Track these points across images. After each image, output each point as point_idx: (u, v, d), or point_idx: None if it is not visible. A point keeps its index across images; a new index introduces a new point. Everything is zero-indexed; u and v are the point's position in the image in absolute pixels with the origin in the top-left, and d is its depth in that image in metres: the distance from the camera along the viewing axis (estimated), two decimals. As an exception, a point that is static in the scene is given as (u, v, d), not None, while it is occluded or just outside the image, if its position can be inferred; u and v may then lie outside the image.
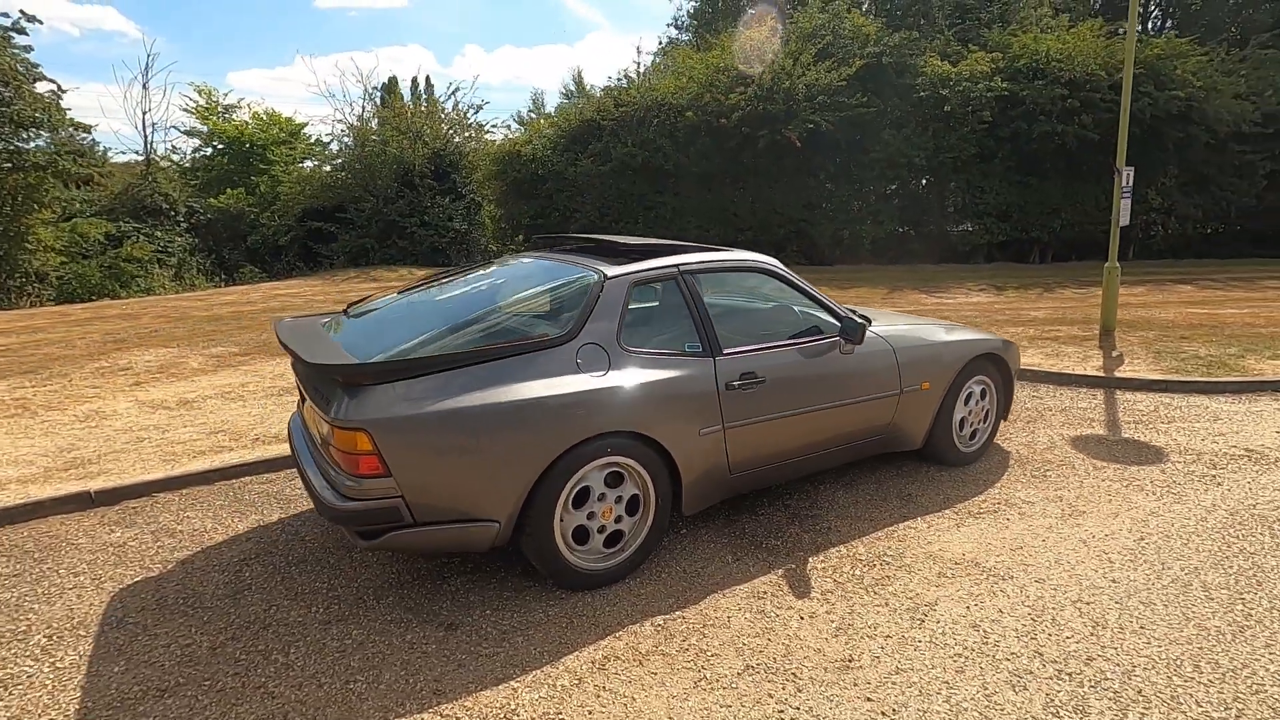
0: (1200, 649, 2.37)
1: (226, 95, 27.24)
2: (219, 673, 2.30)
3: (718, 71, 16.87)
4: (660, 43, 30.32)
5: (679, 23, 29.19)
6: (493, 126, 20.75)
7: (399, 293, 3.57)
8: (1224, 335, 7.42)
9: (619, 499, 2.76)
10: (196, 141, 23.95)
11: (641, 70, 28.59)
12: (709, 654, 2.39)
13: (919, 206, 18.16)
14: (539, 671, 2.30)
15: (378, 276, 15.68)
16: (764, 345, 3.17)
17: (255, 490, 3.80)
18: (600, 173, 17.43)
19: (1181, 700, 2.12)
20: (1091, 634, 2.45)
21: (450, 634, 2.51)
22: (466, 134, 19.76)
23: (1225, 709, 2.09)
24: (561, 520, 2.65)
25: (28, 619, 2.61)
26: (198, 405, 5.33)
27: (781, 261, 3.49)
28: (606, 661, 2.36)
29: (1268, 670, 2.26)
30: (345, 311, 3.44)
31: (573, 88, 33.53)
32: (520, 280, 3.34)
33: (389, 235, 18.24)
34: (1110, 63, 16.00)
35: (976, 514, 3.44)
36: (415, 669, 2.31)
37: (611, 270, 2.95)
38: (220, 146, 23.75)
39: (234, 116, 24.23)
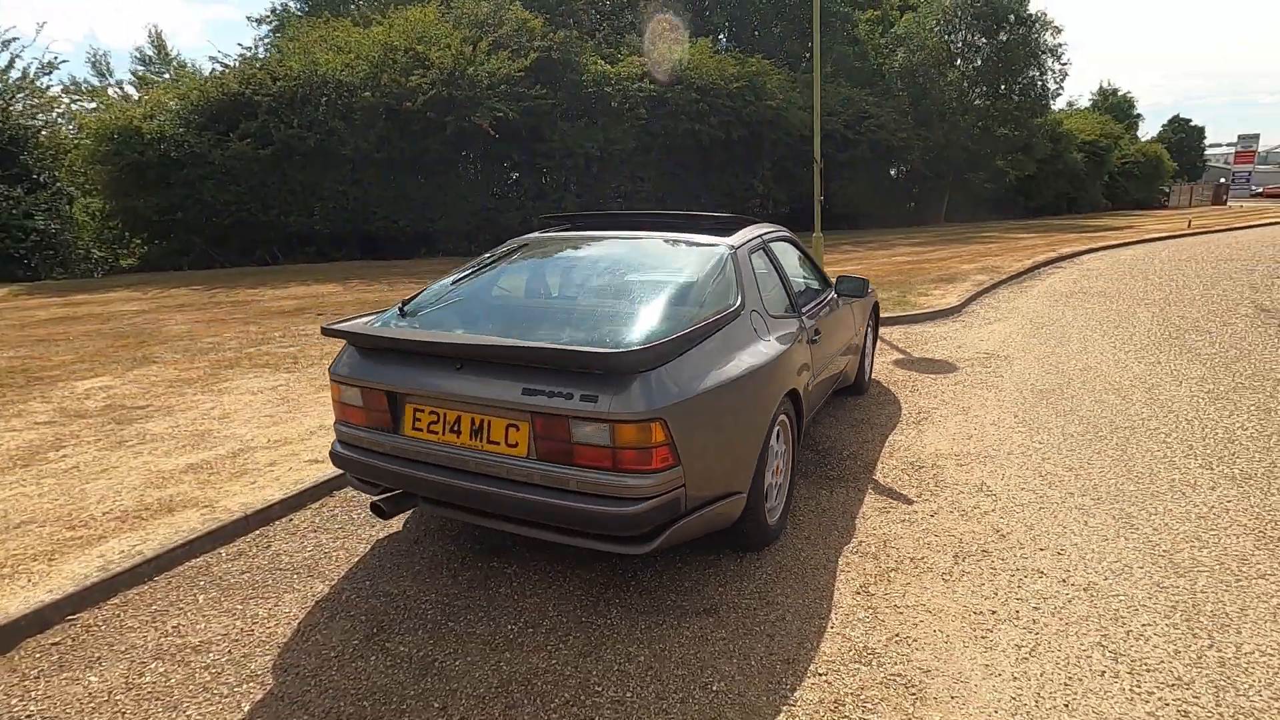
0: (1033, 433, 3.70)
1: None
2: None
3: (390, 50, 15.77)
4: (273, 10, 26.34)
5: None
6: (79, 93, 15.74)
7: (458, 283, 3.07)
8: (877, 282, 10.19)
9: (779, 453, 2.98)
10: None
11: (262, 39, 24.81)
12: (917, 558, 2.84)
13: (593, 193, 19.81)
14: (840, 615, 2.47)
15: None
16: (811, 304, 3.63)
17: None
18: (260, 157, 14.84)
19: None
20: (985, 431, 3.61)
21: (711, 616, 2.46)
22: (36, 103, 14.68)
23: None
24: (766, 481, 2.77)
25: None
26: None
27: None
28: (870, 585, 2.64)
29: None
30: (402, 311, 2.83)
31: (152, 53, 27.11)
32: (644, 255, 3.24)
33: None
34: (725, 75, 19.67)
35: (918, 420, 4.49)
36: (754, 646, 2.26)
37: (730, 241, 3.08)
38: None
39: None
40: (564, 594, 2.61)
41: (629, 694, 2.08)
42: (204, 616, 2.53)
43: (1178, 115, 54.76)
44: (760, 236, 3.37)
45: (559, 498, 2.25)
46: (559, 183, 18.58)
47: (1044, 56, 25.92)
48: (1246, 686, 2.08)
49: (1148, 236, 18.89)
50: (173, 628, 2.46)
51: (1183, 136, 53.11)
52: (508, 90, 16.29)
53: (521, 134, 17.02)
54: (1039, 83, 26.27)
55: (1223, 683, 2.10)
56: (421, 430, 2.48)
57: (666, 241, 3.27)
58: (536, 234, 3.63)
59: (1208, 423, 4.34)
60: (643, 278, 3.03)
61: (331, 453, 2.75)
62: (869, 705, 2.03)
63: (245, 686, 2.15)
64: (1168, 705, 2.01)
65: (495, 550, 2.93)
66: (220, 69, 16.56)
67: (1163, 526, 3.05)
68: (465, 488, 2.36)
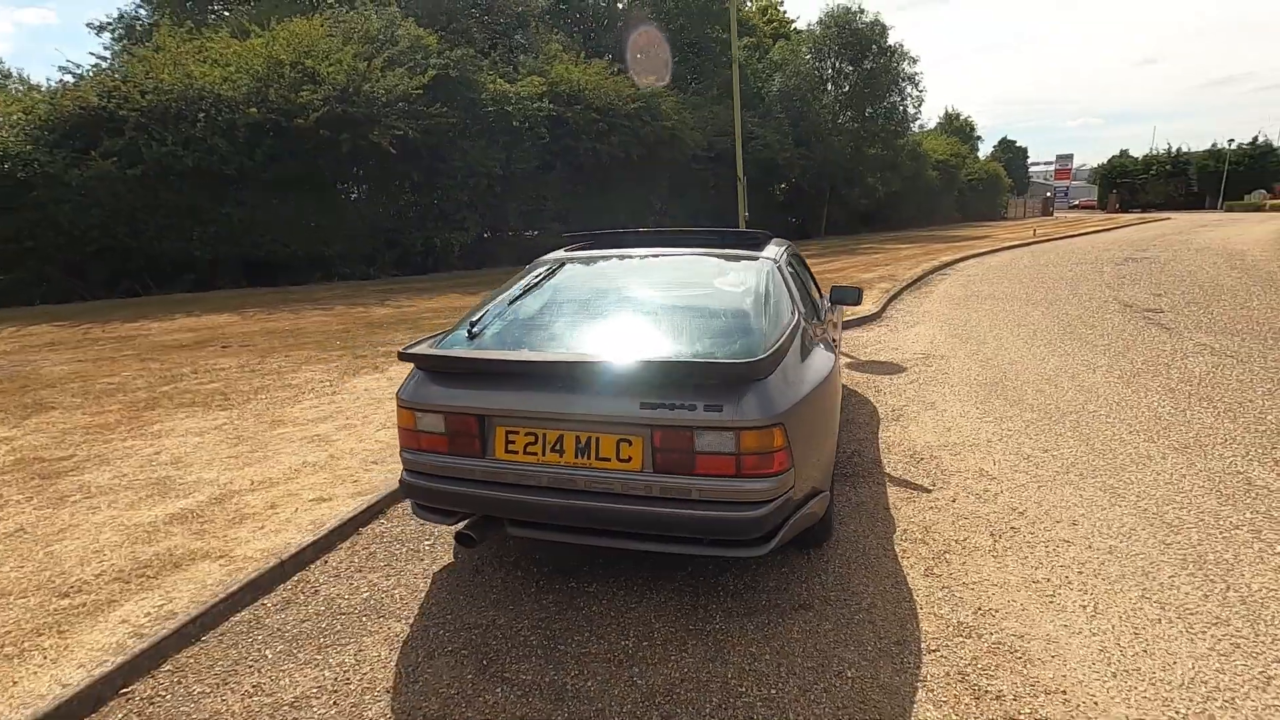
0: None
1: None
2: None
3: (276, 65, 14.85)
4: (120, 15, 23.91)
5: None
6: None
7: (515, 303, 3.01)
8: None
9: (832, 452, 3.14)
10: None
11: (109, 49, 22.57)
12: (961, 540, 3.10)
13: (497, 213, 19.53)
14: (921, 596, 2.65)
15: None
16: (822, 310, 3.86)
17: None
18: (127, 178, 13.44)
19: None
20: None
21: (809, 611, 2.57)
22: None
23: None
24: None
25: None
26: None
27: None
28: (933, 567, 2.84)
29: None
30: (471, 333, 2.74)
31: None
32: (693, 271, 3.32)
33: None
34: (623, 95, 20.11)
35: (896, 417, 4.84)
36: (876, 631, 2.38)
37: (767, 255, 3.24)
38: None
39: None
40: (659, 605, 2.63)
41: (773, 691, 2.15)
42: (283, 671, 2.32)
43: (1005, 137, 61.90)
44: (785, 249, 3.56)
45: (681, 508, 2.28)
46: (462, 203, 18.17)
47: (904, 84, 28.53)
48: (1271, 618, 2.46)
49: (1004, 245, 21.16)
50: (253, 687, 2.25)
51: (1010, 156, 60.12)
52: (406, 108, 15.79)
53: (421, 153, 16.52)
54: (900, 107, 28.84)
55: (1252, 617, 2.46)
56: (517, 452, 2.42)
57: (707, 257, 3.36)
58: (563, 252, 3.62)
59: (1131, 404, 5.00)
60: (704, 291, 3.10)
61: (402, 483, 2.62)
62: (989, 673, 2.21)
63: (373, 737, 2.01)
64: (1220, 640, 2.34)
65: (566, 572, 2.89)
66: (70, 80, 14.90)
67: (1143, 494, 3.50)
68: (575, 506, 2.33)
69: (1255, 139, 47.41)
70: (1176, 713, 2.02)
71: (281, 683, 2.27)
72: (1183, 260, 15.19)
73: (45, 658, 2.38)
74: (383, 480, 3.77)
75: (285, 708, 2.15)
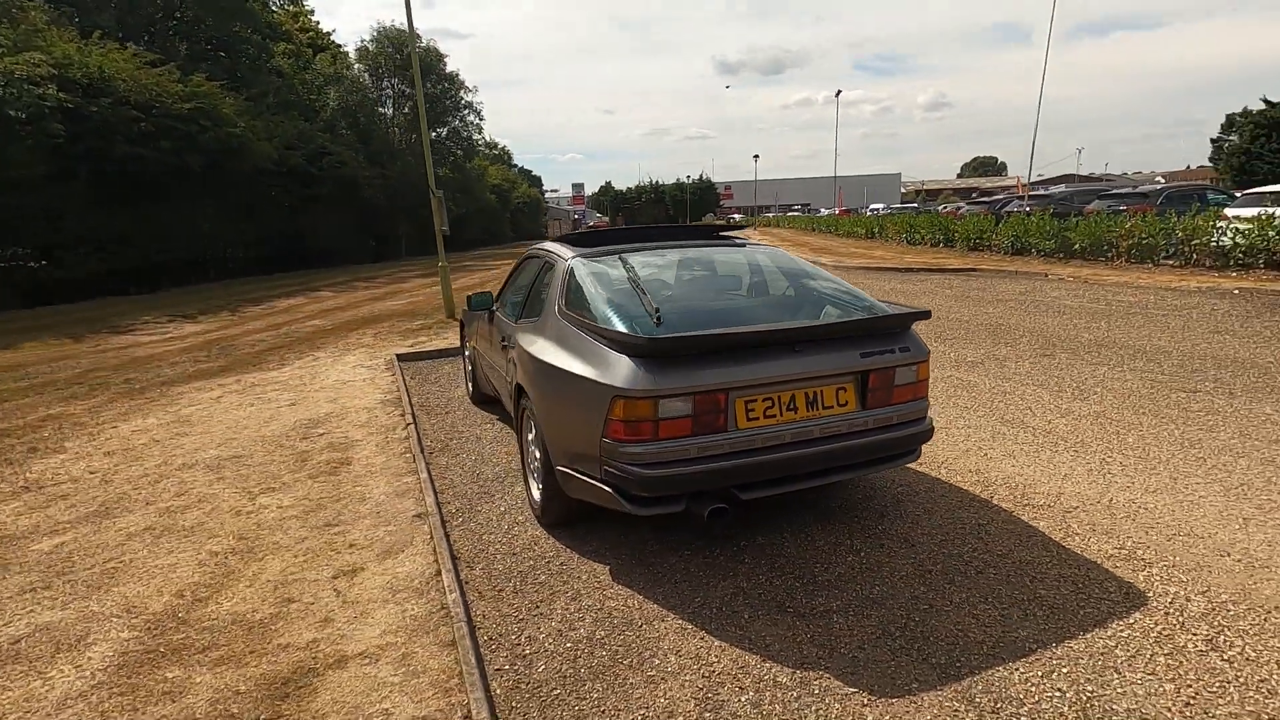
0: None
1: None
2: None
3: None
4: None
5: None
6: None
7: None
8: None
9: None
10: None
11: None
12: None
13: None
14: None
15: None
16: None
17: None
18: None
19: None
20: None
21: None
22: None
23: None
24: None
25: None
26: None
27: None
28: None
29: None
30: (658, 320, 2.53)
31: None
32: (735, 257, 3.51)
33: None
34: (170, 91, 16.35)
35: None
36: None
37: (755, 243, 3.63)
38: None
39: None
40: (828, 544, 2.76)
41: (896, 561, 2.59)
42: None
43: (523, 167, 69.87)
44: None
45: (888, 432, 2.57)
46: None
47: (465, 111, 29.94)
48: None
49: None
50: None
51: (531, 183, 68.17)
52: None
53: None
54: (464, 132, 30.19)
55: None
56: (757, 418, 2.40)
57: (726, 248, 3.55)
58: (571, 254, 3.27)
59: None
60: (776, 269, 3.37)
61: (644, 480, 2.27)
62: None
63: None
64: None
65: (690, 542, 2.75)
66: None
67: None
68: (814, 454, 2.43)
69: (702, 175, 64.32)
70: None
71: None
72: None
73: None
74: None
75: None
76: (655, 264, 3.20)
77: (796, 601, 2.35)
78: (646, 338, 2.30)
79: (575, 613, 2.33)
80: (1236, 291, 8.72)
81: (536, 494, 3.06)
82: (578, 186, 69.64)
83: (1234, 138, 45.60)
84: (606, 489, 2.40)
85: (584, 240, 3.48)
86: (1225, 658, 1.97)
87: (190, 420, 5.04)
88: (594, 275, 2.98)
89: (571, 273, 3.03)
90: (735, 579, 2.51)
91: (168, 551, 2.92)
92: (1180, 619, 2.15)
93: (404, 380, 5.79)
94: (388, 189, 26.74)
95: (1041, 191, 20.63)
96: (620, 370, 2.30)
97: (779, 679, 1.96)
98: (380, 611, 2.35)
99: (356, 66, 27.92)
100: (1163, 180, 47.22)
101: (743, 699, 1.89)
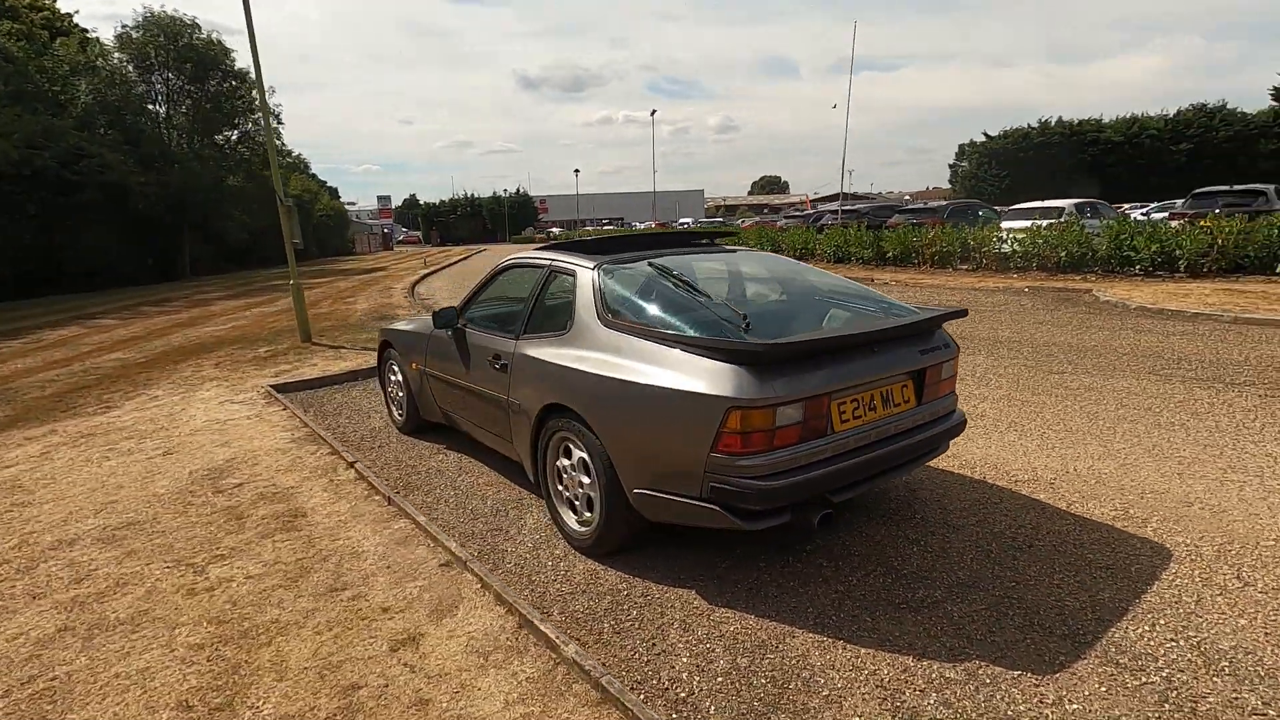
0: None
1: None
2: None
3: None
4: None
5: None
6: None
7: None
8: (345, 325, 9.79)
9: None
10: None
11: None
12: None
13: None
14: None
15: None
16: None
17: None
18: None
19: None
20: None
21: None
22: None
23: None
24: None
25: None
26: None
27: None
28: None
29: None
30: (747, 326, 2.41)
31: None
32: (751, 263, 3.52)
33: None
34: None
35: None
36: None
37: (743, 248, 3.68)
38: None
39: None
40: (897, 542, 2.84)
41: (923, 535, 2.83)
42: None
43: (318, 177, 64.41)
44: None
45: (938, 424, 2.73)
46: None
47: (258, 113, 26.75)
48: None
49: (428, 270, 22.46)
50: None
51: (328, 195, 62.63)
52: None
53: None
54: (258, 136, 27.01)
55: None
56: (849, 420, 2.42)
57: (737, 253, 3.51)
58: (588, 266, 3.02)
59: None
60: (797, 276, 3.42)
61: (763, 493, 2.16)
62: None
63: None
64: None
65: (760, 553, 2.71)
66: None
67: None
68: (888, 452, 2.49)
69: (519, 189, 63.50)
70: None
71: None
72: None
73: None
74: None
75: None
76: (688, 270, 3.10)
77: (901, 596, 2.39)
78: (762, 344, 2.21)
79: (698, 644, 2.17)
80: (1027, 289, 10.45)
81: (574, 523, 2.82)
82: (384, 199, 65.55)
83: (965, 164, 54.89)
84: (712, 507, 2.27)
85: (588, 248, 3.28)
86: (1261, 590, 2.33)
87: (21, 485, 3.96)
88: (644, 282, 2.82)
89: (606, 280, 2.84)
90: (831, 584, 2.49)
91: (122, 655, 2.25)
92: (1206, 564, 2.51)
93: (301, 414, 5.02)
94: (167, 199, 23.12)
95: (850, 206, 23.20)
96: (732, 380, 2.19)
97: (946, 675, 1.98)
98: (484, 680, 2.00)
99: (117, 56, 23.86)
100: (909, 198, 55.33)
101: (930, 700, 1.88)
